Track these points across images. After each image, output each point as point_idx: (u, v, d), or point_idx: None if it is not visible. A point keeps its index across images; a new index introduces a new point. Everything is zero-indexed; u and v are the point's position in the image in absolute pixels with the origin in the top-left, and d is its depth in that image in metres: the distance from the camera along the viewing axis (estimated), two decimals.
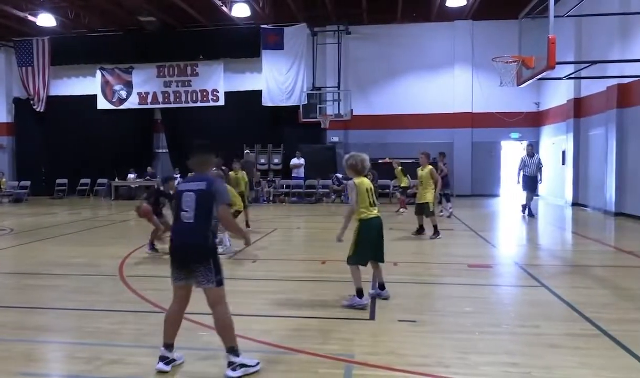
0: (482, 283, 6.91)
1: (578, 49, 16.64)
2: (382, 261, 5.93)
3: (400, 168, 15.45)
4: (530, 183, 14.19)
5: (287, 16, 20.69)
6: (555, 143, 19.06)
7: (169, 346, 4.01)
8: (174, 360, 4.02)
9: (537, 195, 14.86)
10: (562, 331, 4.85)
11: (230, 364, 3.90)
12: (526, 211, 14.11)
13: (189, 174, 4.20)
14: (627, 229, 12.17)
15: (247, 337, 4.67)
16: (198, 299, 5.97)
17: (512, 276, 7.49)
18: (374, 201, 5.71)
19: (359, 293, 5.58)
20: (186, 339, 4.68)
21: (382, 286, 5.97)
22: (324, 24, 21.50)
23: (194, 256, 3.94)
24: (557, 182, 18.21)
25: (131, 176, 22.12)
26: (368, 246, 5.66)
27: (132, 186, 22.22)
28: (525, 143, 17.52)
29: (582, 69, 13.83)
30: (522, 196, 14.66)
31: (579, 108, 17.26)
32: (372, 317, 5.30)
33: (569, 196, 17.43)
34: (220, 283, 4.04)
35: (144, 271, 7.49)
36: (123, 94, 23.26)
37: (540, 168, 14.23)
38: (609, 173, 14.70)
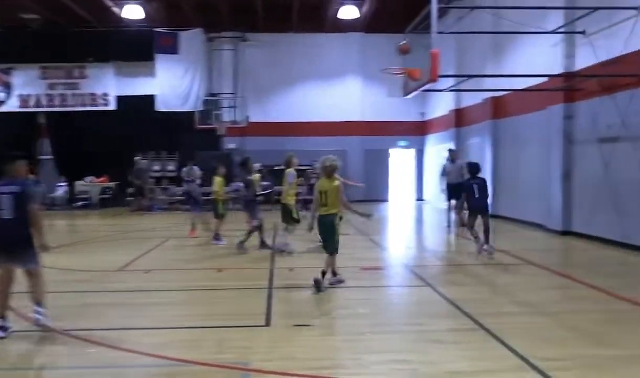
0: (374, 285, 7.23)
1: (458, 63, 17.88)
2: (328, 251, 6.81)
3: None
4: (453, 191, 12.84)
5: (182, 20, 20.21)
6: (439, 151, 20.32)
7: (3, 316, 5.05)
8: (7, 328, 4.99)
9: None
10: (445, 327, 5.22)
11: (37, 312, 5.08)
12: (451, 224, 13.29)
13: None
14: (501, 230, 13.22)
15: (140, 351, 4.53)
16: (86, 315, 5.70)
17: (401, 277, 7.90)
18: (325, 202, 6.71)
19: (334, 273, 6.91)
20: (75, 358, 4.46)
21: (323, 274, 6.75)
22: (220, 30, 21.28)
23: (18, 244, 5.02)
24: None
25: None
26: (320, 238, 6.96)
27: None
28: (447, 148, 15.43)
29: (462, 82, 14.94)
30: (448, 205, 13.49)
31: (459, 118, 18.57)
32: (267, 323, 5.36)
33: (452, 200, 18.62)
34: (38, 262, 5.18)
35: (25, 287, 6.93)
36: (2, 96, 21.28)
37: (464, 174, 12.80)
38: (486, 179, 15.86)
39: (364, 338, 4.92)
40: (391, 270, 8.38)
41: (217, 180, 10.95)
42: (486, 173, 15.74)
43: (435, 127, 21.20)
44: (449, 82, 15.00)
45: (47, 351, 4.58)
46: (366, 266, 8.28)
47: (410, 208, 20.30)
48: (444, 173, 13.48)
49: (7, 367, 4.27)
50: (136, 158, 19.80)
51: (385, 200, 22.23)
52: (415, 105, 21.46)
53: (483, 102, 16.05)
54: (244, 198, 10.20)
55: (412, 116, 22.19)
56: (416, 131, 22.44)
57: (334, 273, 6.96)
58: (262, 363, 4.26)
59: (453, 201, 13.18)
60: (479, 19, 14.25)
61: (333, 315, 5.67)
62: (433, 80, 9.21)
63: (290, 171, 9.58)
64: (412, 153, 22.98)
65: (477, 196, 9.37)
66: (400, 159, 23.13)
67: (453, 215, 13.43)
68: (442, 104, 19.82)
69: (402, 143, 22.60)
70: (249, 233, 9.81)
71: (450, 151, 14.15)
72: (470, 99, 17.27)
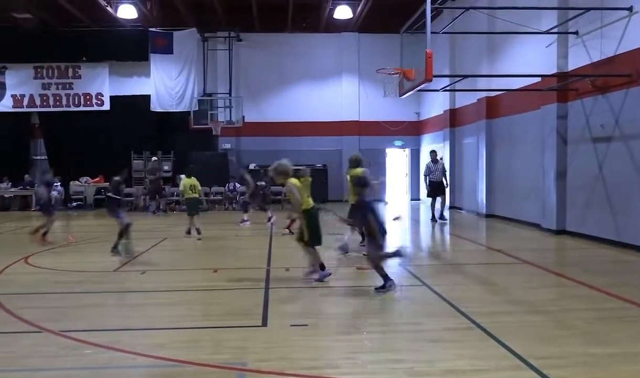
0: (370, 284, 7.22)
1: (452, 63, 17.96)
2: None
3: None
4: (437, 189, 14.52)
5: (177, 20, 20.18)
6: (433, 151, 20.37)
7: None
8: None
9: (441, 200, 14.89)
10: (442, 326, 5.23)
11: None
12: (436, 218, 14.42)
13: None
14: (496, 230, 13.33)
15: (136, 352, 4.53)
16: (81, 315, 5.70)
17: (397, 276, 7.85)
18: (309, 194, 7.38)
19: (322, 267, 7.15)
20: (71, 359, 4.46)
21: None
22: (215, 29, 21.27)
23: None
24: None
25: (3, 185, 20.32)
26: (319, 229, 7.17)
27: (6, 195, 20.38)
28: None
29: (456, 82, 15.00)
30: (430, 203, 14.82)
31: (454, 118, 18.63)
32: (264, 324, 5.36)
33: (446, 200, 18.69)
34: None
35: (19, 289, 6.94)
36: None
37: (445, 173, 14.69)
38: (480, 178, 16.00)
39: (360, 337, 4.92)
40: (387, 270, 8.37)
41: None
42: (481, 173, 15.86)
43: (430, 127, 21.26)
44: (444, 82, 15.08)
45: (43, 352, 4.58)
46: (361, 265, 8.28)
47: (406, 207, 20.33)
48: (427, 172, 14.61)
49: (2, 368, 4.26)
50: (154, 159, 19.73)
51: (382, 200, 22.22)
52: (410, 105, 21.52)
53: (477, 102, 16.11)
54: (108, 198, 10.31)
55: (407, 116, 22.25)
56: (411, 131, 22.50)
57: (323, 267, 7.23)
58: (259, 364, 4.26)
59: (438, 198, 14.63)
60: (474, 19, 14.31)
61: (329, 315, 5.68)
62: (428, 80, 9.24)
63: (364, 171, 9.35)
64: (407, 152, 23.03)
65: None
66: (396, 159, 23.18)
67: (438, 208, 14.50)
68: (436, 104, 19.87)
69: (398, 143, 22.65)
70: (120, 234, 9.40)
71: (432, 152, 15.08)
72: (465, 99, 17.33)
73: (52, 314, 5.66)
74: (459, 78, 14.35)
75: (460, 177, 18.11)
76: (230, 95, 21.26)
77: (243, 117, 20.81)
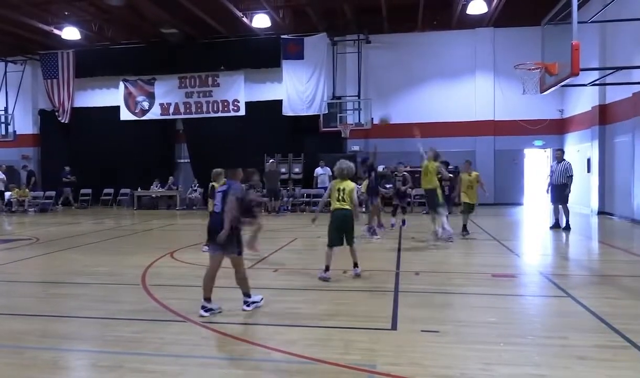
0: (507, 293, 6.80)
1: (602, 55, 16.36)
2: (350, 244, 7.70)
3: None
4: (555, 193, 12.87)
5: (307, 26, 20.82)
6: (580, 151, 18.75)
7: None
8: None
9: (563, 206, 12.86)
10: (590, 342, 4.73)
11: None
12: (560, 225, 12.90)
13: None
14: None
15: (269, 347, 4.66)
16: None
17: (537, 286, 7.35)
18: (342, 198, 7.51)
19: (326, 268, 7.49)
20: (210, 349, 4.69)
21: (355, 265, 7.70)
22: (344, 33, 21.57)
23: None
24: (583, 190, 17.88)
25: (154, 186, 22.41)
26: (334, 232, 7.65)
27: (154, 196, 22.46)
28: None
29: (607, 75, 13.62)
30: (553, 207, 13.21)
31: (604, 115, 16.94)
32: (394, 327, 5.24)
33: (594, 204, 17.10)
34: None
35: (166, 280, 7.54)
36: (145, 105, 23.58)
37: (568, 176, 12.64)
38: (636, 181, 14.36)
39: (497, 348, 4.61)
40: (526, 278, 7.82)
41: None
42: (637, 175, 14.28)
43: (575, 125, 19.58)
44: (592, 76, 13.77)
45: (186, 340, 4.88)
46: (498, 273, 7.83)
47: (548, 212, 18.89)
48: (550, 173, 13.13)
49: (151, 352, 4.59)
50: (271, 161, 20.62)
51: (519, 204, 20.96)
52: (552, 102, 19.98)
53: (633, 97, 14.50)
54: None
55: (549, 114, 20.65)
56: (554, 130, 20.82)
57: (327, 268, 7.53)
58: (389, 367, 4.16)
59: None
60: (628, 4, 12.90)
61: (462, 323, 5.40)
62: (574, 74, 8.57)
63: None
64: (549, 153, 21.40)
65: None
66: (536, 160, 21.64)
67: (562, 217, 12.84)
68: (583, 100, 18.25)
69: (538, 143, 21.12)
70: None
71: (556, 150, 13.93)
72: (618, 94, 15.70)
73: (193, 305, 6.03)
74: (611, 71, 13.00)
75: (611, 179, 16.42)
76: (359, 97, 21.40)
77: (372, 119, 20.82)
